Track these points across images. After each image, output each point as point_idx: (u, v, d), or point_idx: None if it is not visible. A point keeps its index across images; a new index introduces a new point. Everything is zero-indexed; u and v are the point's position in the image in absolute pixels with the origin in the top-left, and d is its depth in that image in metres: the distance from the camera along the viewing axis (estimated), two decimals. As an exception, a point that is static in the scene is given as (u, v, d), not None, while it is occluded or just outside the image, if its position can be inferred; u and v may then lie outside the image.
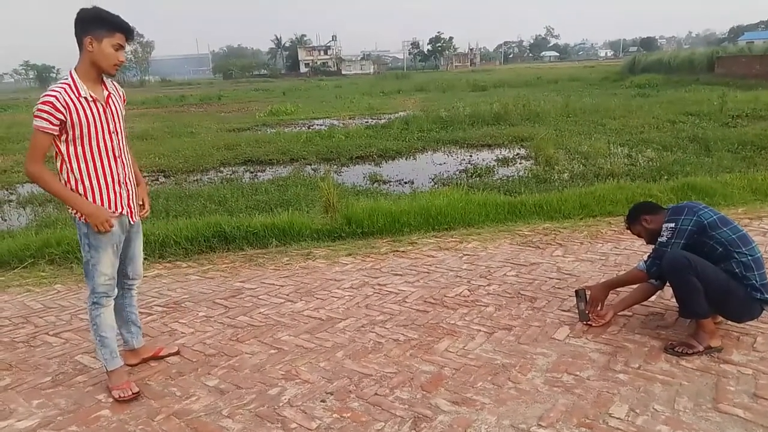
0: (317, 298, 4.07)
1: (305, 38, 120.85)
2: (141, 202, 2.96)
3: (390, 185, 9.17)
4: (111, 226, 2.66)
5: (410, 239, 5.54)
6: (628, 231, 3.51)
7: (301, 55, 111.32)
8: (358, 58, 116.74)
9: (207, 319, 3.80)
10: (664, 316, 3.47)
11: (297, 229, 5.79)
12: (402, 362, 3.07)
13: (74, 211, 2.65)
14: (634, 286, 3.46)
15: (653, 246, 3.21)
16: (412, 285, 4.25)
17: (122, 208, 2.76)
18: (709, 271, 2.93)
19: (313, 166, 11.09)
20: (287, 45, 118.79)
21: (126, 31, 2.63)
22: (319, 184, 6.73)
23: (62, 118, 2.51)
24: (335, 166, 11.05)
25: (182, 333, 3.59)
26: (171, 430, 2.56)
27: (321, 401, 2.73)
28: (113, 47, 2.60)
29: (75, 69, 2.62)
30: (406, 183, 9.30)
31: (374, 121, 18.35)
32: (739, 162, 8.89)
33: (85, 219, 2.64)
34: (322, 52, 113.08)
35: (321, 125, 18.08)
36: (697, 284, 2.89)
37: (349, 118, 19.92)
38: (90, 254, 2.71)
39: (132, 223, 2.86)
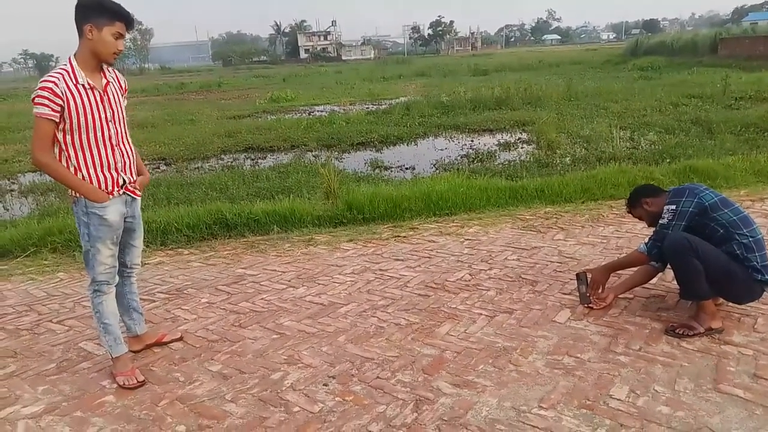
0: (319, 284, 4.08)
1: (305, 24, 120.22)
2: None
3: (391, 171, 9.15)
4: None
5: (411, 224, 5.54)
6: (630, 214, 3.51)
7: (301, 41, 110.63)
8: (359, 44, 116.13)
9: (209, 305, 3.82)
10: (665, 298, 3.47)
11: (298, 215, 5.80)
12: (403, 346, 3.08)
13: (75, 192, 2.65)
14: (635, 269, 3.46)
15: (654, 228, 3.21)
16: (414, 270, 4.26)
17: (120, 191, 2.75)
18: (710, 252, 2.93)
19: (314, 153, 11.06)
20: (287, 31, 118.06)
21: (126, 20, 2.61)
22: (320, 170, 6.72)
23: (61, 104, 2.49)
24: (336, 153, 11.02)
25: (185, 319, 3.61)
26: (175, 415, 2.58)
27: (323, 385, 2.75)
28: (113, 36, 2.57)
29: (74, 56, 2.60)
30: (407, 169, 9.27)
31: (375, 106, 18.25)
32: (741, 144, 8.83)
33: (80, 195, 2.64)
34: (322, 38, 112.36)
35: (322, 111, 18.01)
36: (698, 266, 2.89)
37: (350, 104, 19.82)
38: (90, 244, 2.72)
39: (135, 198, 2.86)
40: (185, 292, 4.09)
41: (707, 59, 28.45)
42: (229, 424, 2.49)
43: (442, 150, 10.70)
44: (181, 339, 3.29)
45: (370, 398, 2.62)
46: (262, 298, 3.88)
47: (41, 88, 2.47)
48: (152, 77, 60.09)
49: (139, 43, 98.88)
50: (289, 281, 4.18)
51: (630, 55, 38.40)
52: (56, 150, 2.62)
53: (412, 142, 11.83)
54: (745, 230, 2.98)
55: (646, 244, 3.28)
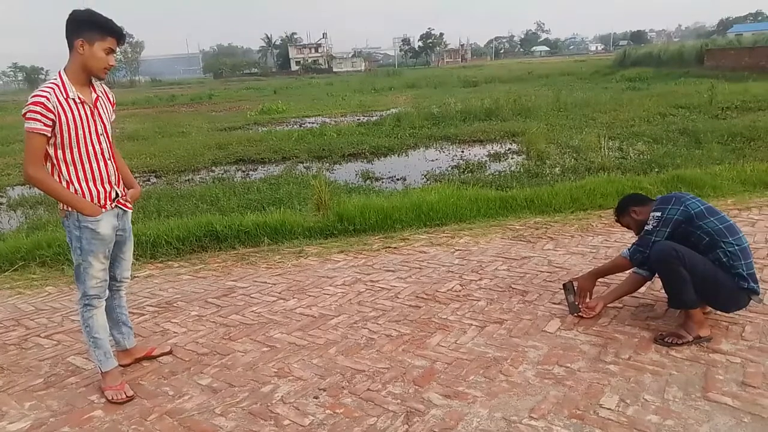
0: (309, 296, 4.08)
1: (296, 36, 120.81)
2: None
3: (382, 182, 9.18)
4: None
5: (402, 235, 5.55)
6: (618, 223, 3.53)
7: (292, 53, 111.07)
8: (349, 56, 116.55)
9: (199, 318, 3.80)
10: (654, 307, 3.50)
11: (289, 227, 5.79)
12: (394, 357, 3.08)
13: (66, 206, 2.64)
14: (624, 278, 3.48)
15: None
16: (404, 281, 4.26)
17: (112, 204, 2.75)
18: (696, 261, 2.95)
19: (305, 164, 11.08)
20: (278, 43, 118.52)
21: (118, 36, 2.61)
22: (311, 182, 6.73)
23: (53, 118, 2.49)
24: (327, 164, 11.05)
25: (174, 333, 3.59)
26: (164, 430, 2.56)
27: (314, 398, 2.74)
28: (104, 51, 2.57)
29: (64, 70, 2.59)
30: (398, 180, 9.30)
31: (366, 118, 18.32)
32: (728, 153, 8.95)
33: (72, 209, 2.63)
34: (312, 50, 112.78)
35: (313, 123, 18.07)
36: (685, 275, 2.92)
37: (341, 116, 19.89)
38: (81, 258, 2.70)
39: (126, 210, 2.85)
40: (175, 305, 4.07)
41: (694, 70, 28.84)
42: (219, 438, 2.48)
43: (432, 161, 10.75)
44: (170, 352, 3.27)
45: (361, 410, 2.61)
46: (252, 311, 3.86)
47: (33, 103, 2.46)
48: (143, 89, 60.03)
49: (129, 55, 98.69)
50: (280, 293, 4.17)
51: (618, 66, 38.86)
52: (48, 165, 2.60)
53: (403, 154, 11.89)
54: (731, 238, 3.01)
55: (629, 249, 3.30)
